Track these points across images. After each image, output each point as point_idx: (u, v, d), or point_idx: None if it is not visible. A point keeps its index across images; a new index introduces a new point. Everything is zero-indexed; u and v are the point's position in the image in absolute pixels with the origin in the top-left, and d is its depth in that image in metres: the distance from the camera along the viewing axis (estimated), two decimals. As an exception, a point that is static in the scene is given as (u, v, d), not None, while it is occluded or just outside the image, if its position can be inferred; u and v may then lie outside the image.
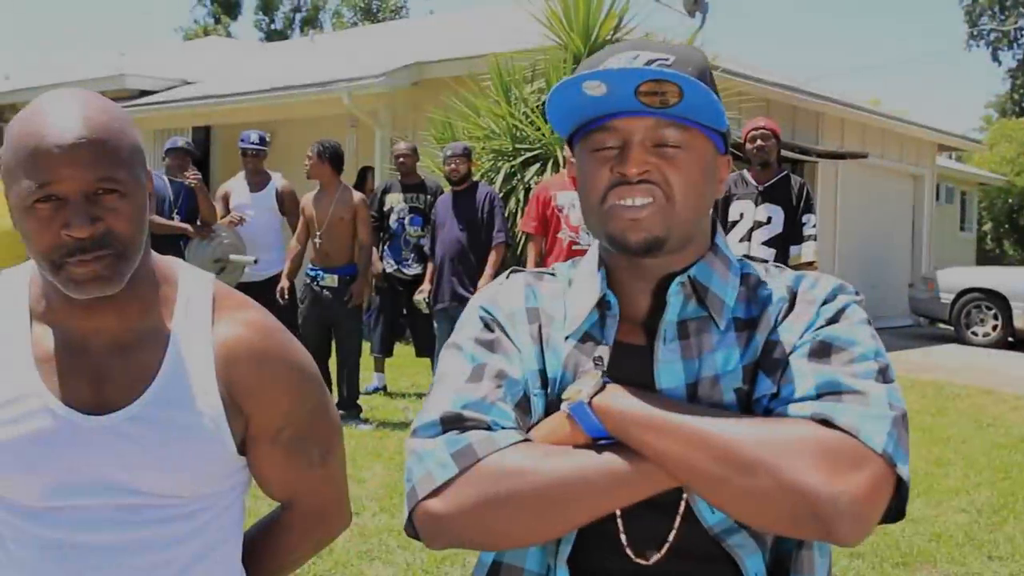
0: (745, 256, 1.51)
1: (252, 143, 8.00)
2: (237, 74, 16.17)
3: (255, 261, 7.57)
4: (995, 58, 45.20)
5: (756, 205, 6.04)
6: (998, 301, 14.06)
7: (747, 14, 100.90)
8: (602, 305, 1.40)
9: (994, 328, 14.11)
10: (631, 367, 1.35)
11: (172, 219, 7.33)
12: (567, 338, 1.40)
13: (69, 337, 1.50)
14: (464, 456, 1.28)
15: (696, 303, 1.37)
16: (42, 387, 1.47)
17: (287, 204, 8.08)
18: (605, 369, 1.35)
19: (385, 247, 8.04)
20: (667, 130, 1.30)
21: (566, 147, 1.50)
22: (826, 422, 1.23)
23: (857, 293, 1.40)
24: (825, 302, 1.36)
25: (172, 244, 7.30)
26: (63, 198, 1.36)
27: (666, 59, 1.32)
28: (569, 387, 1.32)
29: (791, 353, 1.32)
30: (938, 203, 21.04)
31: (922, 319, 16.27)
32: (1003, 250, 34.43)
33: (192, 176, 7.29)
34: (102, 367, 1.49)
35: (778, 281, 1.42)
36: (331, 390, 7.48)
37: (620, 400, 1.27)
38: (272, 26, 45.21)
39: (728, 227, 6.15)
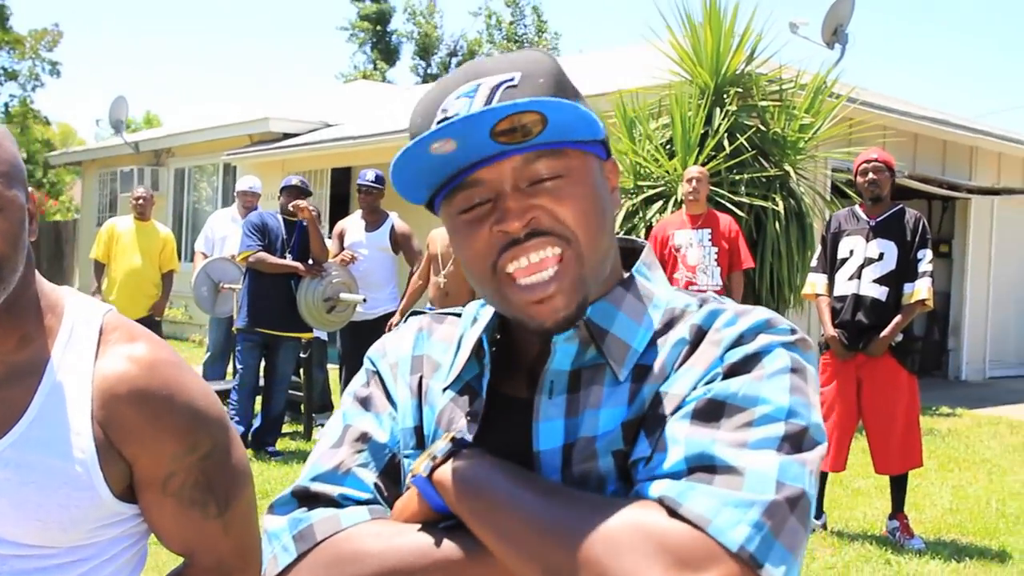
0: (689, 289, 1.25)
1: (368, 181, 8.03)
2: (379, 116, 16.44)
3: (364, 300, 7.56)
4: None
5: (867, 241, 5.70)
6: None
7: (893, 48, 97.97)
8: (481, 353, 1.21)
9: None
10: (510, 425, 1.15)
11: (284, 258, 7.38)
12: (445, 389, 1.21)
13: None
14: (304, 539, 1.13)
15: (595, 349, 1.14)
16: None
17: (401, 243, 8.08)
18: (478, 424, 1.16)
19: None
20: (539, 163, 1.09)
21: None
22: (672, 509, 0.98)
23: (793, 331, 1.10)
24: (735, 344, 1.08)
25: (284, 283, 7.37)
26: None
27: (511, 79, 1.09)
28: (424, 453, 1.14)
29: (676, 411, 1.06)
30: (1109, 241, 19.80)
31: (1087, 365, 15.31)
32: None
33: (302, 210, 7.28)
34: None
35: (694, 317, 1.15)
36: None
37: (459, 471, 1.08)
38: (428, 70, 46.06)
39: (837, 264, 5.84)
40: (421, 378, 1.24)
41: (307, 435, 8.10)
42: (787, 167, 9.66)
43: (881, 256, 5.64)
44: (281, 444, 7.69)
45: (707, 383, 1.06)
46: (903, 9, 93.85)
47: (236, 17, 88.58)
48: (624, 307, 1.16)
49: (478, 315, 1.26)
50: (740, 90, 9.91)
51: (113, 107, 18.80)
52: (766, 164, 9.66)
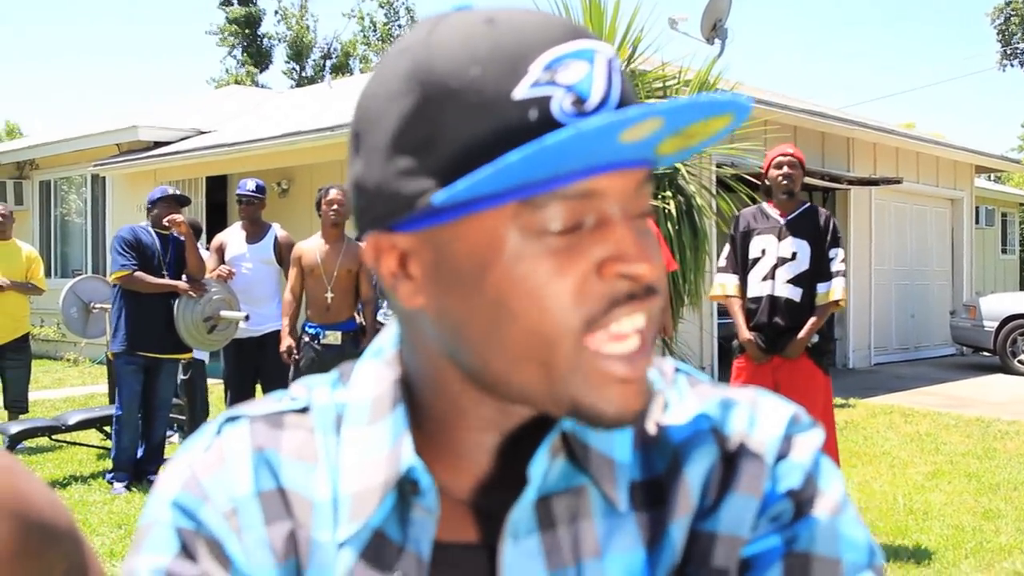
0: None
1: (248, 191, 7.62)
2: (254, 122, 15.95)
3: (247, 317, 7.16)
4: (1031, 76, 44.67)
5: (779, 239, 5.51)
6: (1045, 328, 13.48)
7: (769, 43, 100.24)
8: (405, 484, 0.78)
9: (1042, 356, 13.53)
10: None
11: (162, 275, 6.93)
12: (342, 545, 0.77)
13: None
14: None
15: (568, 462, 0.78)
16: None
17: (285, 255, 7.68)
18: None
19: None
20: (646, 190, 0.74)
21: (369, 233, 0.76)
22: None
23: (815, 423, 0.83)
24: (780, 456, 0.79)
25: (163, 303, 6.93)
26: None
27: (615, 54, 0.71)
28: None
29: (747, 568, 0.77)
30: (978, 226, 20.45)
31: (965, 348, 15.73)
32: (1048, 271, 33.65)
33: (178, 224, 6.84)
34: None
35: (689, 405, 0.83)
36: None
37: None
38: (303, 74, 45.28)
39: (749, 264, 5.63)
40: (292, 530, 0.78)
41: (192, 461, 7.66)
42: (677, 164, 9.57)
43: (794, 255, 5.49)
44: (162, 472, 7.26)
45: (772, 520, 0.77)
46: (776, 2, 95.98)
47: (99, 23, 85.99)
48: None
49: (342, 407, 0.83)
50: (625, 88, 9.79)
51: (-30, 118, 17.89)
52: (655, 162, 9.56)
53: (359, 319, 6.95)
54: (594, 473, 0.77)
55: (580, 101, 0.67)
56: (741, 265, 5.64)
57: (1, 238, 8.52)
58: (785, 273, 5.47)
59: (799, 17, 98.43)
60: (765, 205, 5.69)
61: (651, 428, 0.81)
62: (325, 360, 6.66)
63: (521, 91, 0.67)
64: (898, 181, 14.33)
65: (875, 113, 45.64)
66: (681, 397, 0.84)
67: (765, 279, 5.52)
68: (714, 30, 12.84)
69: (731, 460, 0.79)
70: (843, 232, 14.43)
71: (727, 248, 5.78)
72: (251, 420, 0.84)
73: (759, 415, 0.81)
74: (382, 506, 0.77)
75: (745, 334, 5.49)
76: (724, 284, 5.70)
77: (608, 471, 0.78)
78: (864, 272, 14.97)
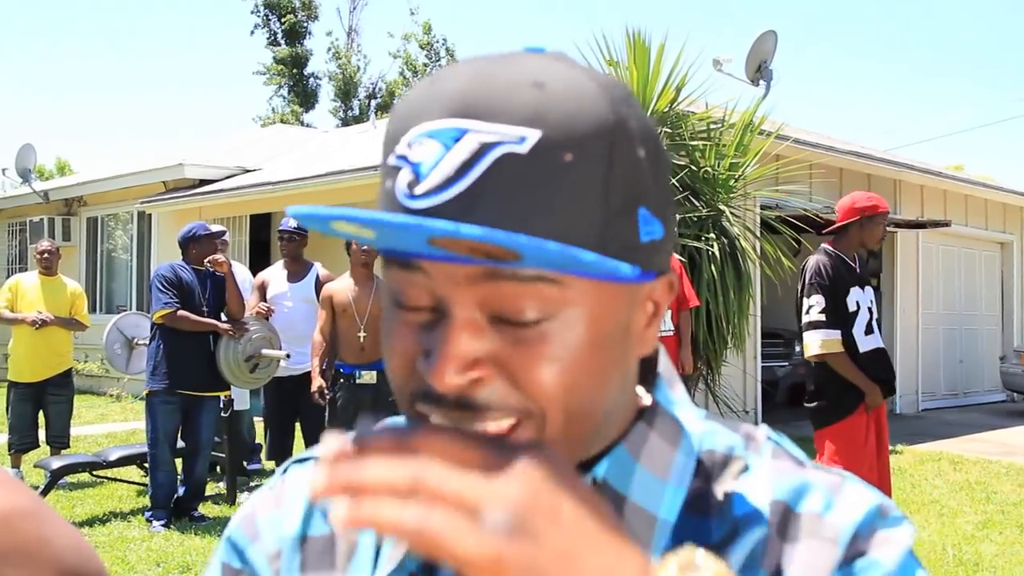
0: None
1: (290, 228, 7.64)
2: (299, 160, 16.07)
3: (287, 355, 7.14)
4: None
5: (863, 291, 5.42)
6: (1098, 374, 13.20)
7: (815, 85, 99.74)
8: None
9: (1095, 404, 13.25)
10: None
11: (202, 313, 6.93)
12: None
13: None
14: None
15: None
16: None
17: (327, 294, 7.70)
18: None
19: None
20: (511, 291, 0.64)
21: None
22: None
23: (905, 518, 0.73)
24: (859, 553, 0.69)
25: (204, 340, 6.94)
26: None
27: (519, 141, 0.63)
28: None
29: None
30: (1028, 270, 20.13)
31: (1015, 394, 15.43)
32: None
33: (220, 264, 6.86)
34: None
35: (760, 478, 0.75)
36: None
37: None
38: (349, 113, 45.63)
39: (851, 318, 5.35)
40: None
41: (231, 499, 7.62)
42: (721, 206, 9.51)
43: (871, 305, 5.46)
44: (203, 508, 7.25)
45: None
46: (821, 44, 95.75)
47: (151, 61, 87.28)
48: (644, 457, 0.75)
49: None
50: (668, 129, 9.75)
51: (20, 155, 18.16)
52: (697, 204, 9.51)
53: None
54: (632, 527, 0.72)
55: (416, 182, 0.65)
56: (842, 318, 5.33)
57: (47, 274, 8.59)
58: (875, 325, 5.43)
59: (845, 59, 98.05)
60: (834, 251, 5.41)
61: (718, 494, 0.75)
62: (361, 400, 6.63)
63: (391, 159, 0.67)
64: (946, 224, 14.14)
65: (922, 155, 45.47)
66: (756, 468, 0.76)
67: (867, 333, 5.38)
68: (759, 71, 12.81)
69: (793, 539, 0.72)
70: (890, 275, 14.33)
71: (822, 300, 5.32)
72: (317, 463, 0.82)
73: (839, 498, 0.73)
74: None
75: (870, 384, 5.26)
76: (830, 341, 5.29)
77: (646, 528, 0.72)
78: (911, 316, 14.76)
